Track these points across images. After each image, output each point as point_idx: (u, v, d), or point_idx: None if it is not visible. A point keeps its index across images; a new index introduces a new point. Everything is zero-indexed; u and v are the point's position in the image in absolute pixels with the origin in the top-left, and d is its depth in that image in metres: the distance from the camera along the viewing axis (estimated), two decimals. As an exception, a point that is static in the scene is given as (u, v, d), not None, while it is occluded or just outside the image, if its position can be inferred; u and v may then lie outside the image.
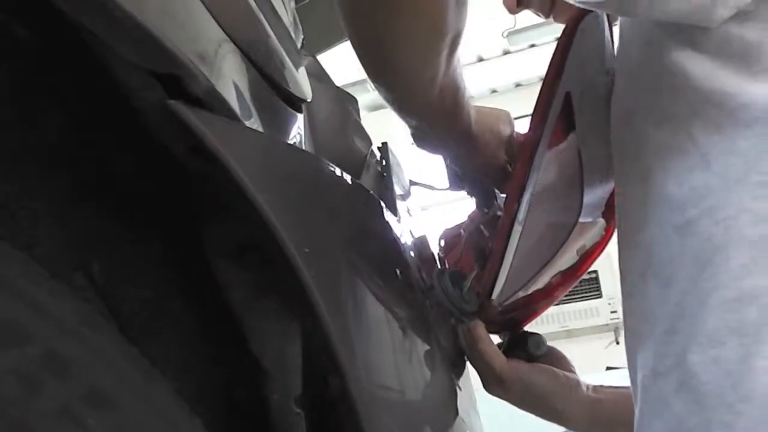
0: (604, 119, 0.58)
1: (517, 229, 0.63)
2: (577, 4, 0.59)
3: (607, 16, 0.67)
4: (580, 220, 0.72)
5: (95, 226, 0.39)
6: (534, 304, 0.78)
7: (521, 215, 0.62)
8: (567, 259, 0.77)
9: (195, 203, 0.43)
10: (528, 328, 0.90)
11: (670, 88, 0.48)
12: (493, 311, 0.68)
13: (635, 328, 0.51)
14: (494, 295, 0.67)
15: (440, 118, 0.66)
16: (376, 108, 3.70)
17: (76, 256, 0.37)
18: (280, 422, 0.43)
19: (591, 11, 0.64)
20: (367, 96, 3.49)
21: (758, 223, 0.42)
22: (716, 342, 0.41)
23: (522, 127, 0.71)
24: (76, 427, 0.26)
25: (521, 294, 0.73)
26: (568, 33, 0.62)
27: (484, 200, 0.75)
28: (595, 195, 0.70)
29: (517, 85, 4.27)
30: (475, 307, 0.68)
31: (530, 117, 0.62)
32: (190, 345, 0.44)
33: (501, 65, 3.31)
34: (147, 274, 0.43)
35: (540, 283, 0.77)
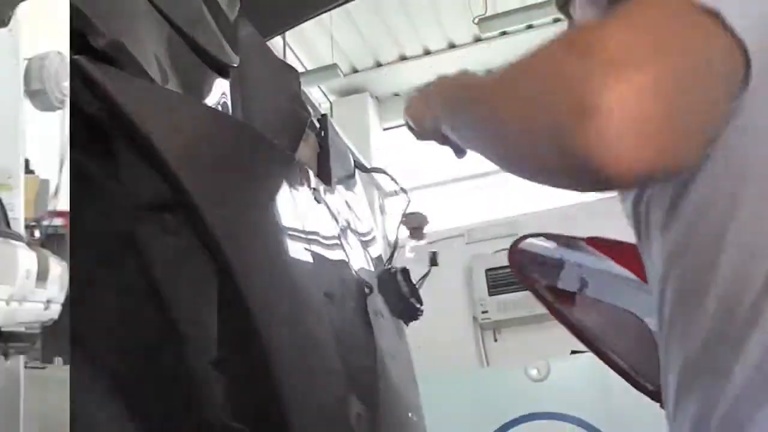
0: None
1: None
2: None
3: None
4: None
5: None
6: None
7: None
8: None
9: (118, 169, 0.43)
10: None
11: None
12: None
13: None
14: None
15: None
16: (347, 93, 3.66)
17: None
18: (198, 385, 0.43)
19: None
20: (338, 81, 3.44)
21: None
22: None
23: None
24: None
25: None
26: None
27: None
28: None
29: (489, 72, 4.27)
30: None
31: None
32: (112, 314, 0.43)
33: (472, 52, 3.30)
34: (72, 244, 0.42)
35: None
